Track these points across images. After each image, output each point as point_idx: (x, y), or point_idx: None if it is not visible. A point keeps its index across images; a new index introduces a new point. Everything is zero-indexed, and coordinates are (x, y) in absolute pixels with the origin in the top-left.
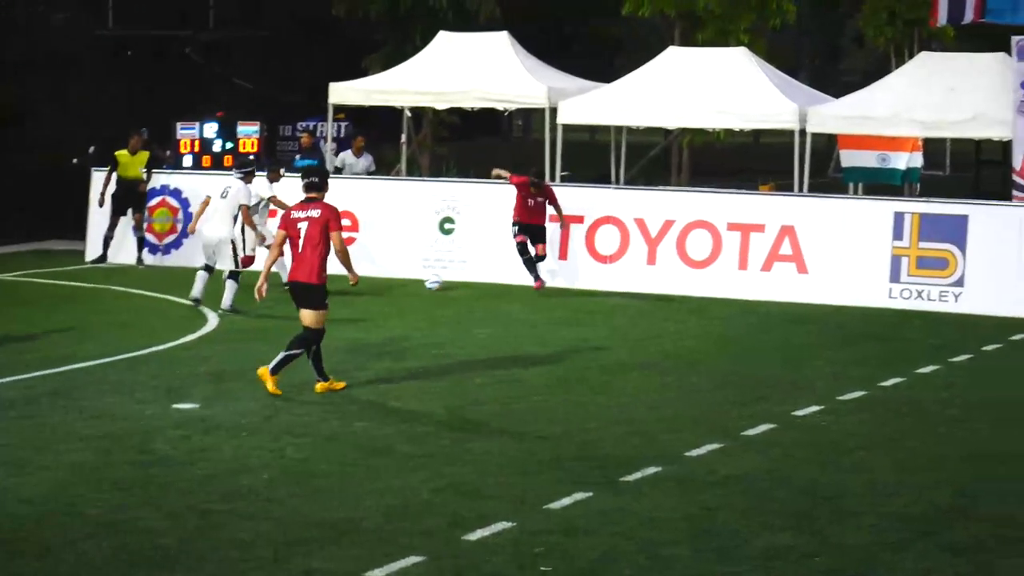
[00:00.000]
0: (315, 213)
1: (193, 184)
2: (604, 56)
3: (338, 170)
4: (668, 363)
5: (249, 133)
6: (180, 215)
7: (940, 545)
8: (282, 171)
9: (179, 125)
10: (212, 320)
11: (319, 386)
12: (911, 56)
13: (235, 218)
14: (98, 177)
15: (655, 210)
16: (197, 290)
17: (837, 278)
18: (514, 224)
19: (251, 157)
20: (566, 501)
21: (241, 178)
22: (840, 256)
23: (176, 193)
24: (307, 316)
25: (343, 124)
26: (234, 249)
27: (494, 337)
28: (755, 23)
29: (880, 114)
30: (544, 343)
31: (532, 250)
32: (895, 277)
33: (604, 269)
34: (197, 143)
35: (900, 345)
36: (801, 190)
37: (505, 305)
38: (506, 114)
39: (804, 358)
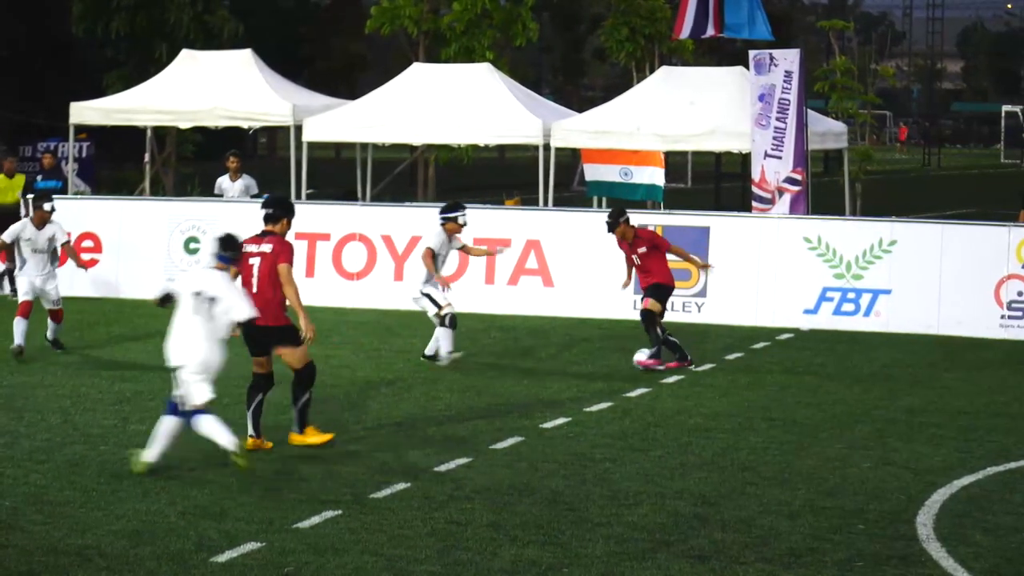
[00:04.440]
0: (267, 248)
1: None
2: (348, 74)
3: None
4: (415, 379)
5: None
6: None
7: (682, 553)
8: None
9: None
10: None
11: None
12: (652, 71)
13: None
14: None
15: (402, 226)
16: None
17: (582, 291)
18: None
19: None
20: (315, 520)
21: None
22: (585, 269)
23: None
24: (292, 356)
25: (85, 144)
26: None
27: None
28: (498, 40)
29: (622, 128)
30: None
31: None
32: (639, 289)
33: (351, 286)
34: None
35: None
36: (546, 204)
37: None
38: (251, 132)
39: (551, 371)
